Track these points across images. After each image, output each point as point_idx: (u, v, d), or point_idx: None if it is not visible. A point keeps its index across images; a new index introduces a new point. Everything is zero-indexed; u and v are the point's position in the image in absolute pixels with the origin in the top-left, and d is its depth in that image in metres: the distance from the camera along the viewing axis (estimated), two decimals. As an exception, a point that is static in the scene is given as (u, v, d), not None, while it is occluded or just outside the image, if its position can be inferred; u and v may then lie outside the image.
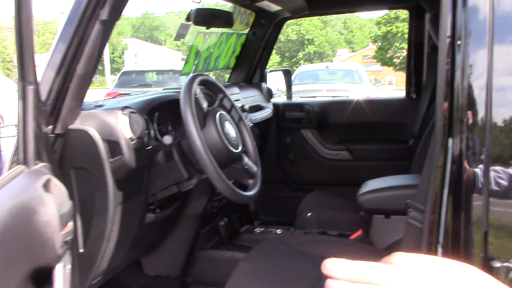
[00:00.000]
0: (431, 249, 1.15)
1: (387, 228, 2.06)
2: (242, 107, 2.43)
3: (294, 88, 9.63)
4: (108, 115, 1.54)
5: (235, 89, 2.47)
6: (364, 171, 3.01)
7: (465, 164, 1.04)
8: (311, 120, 3.10)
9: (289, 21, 3.29)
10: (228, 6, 2.78)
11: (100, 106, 1.64)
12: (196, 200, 2.20)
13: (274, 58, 35.01)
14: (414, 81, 2.92)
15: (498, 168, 1.00)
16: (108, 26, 1.46)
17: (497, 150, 1.02)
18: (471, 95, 1.03)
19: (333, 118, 3.12)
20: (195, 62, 2.64)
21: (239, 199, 1.71)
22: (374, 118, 3.03)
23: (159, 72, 10.28)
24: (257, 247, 1.93)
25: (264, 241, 1.98)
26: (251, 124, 2.45)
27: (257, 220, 2.99)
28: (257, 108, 2.86)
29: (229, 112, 1.93)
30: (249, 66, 3.08)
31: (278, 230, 2.41)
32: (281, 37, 41.45)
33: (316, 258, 1.77)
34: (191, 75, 1.76)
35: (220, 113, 1.79)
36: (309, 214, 2.31)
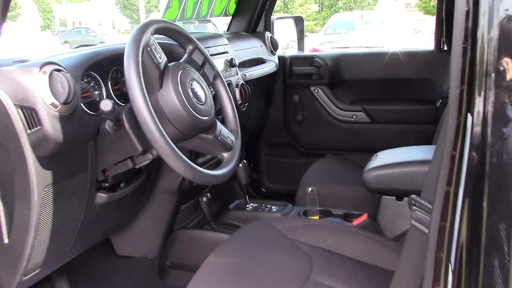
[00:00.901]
0: (438, 271, 0.77)
1: (397, 213, 1.68)
2: (230, 61, 2.03)
3: (325, 38, 9.16)
4: (23, 73, 1.19)
5: (221, 40, 2.07)
6: (383, 136, 2.60)
7: (491, 152, 0.66)
8: (322, 75, 2.67)
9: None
10: None
11: (23, 61, 1.28)
12: (170, 174, 1.86)
13: (311, 7, 33.78)
14: (446, 28, 2.43)
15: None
16: None
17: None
18: (503, 44, 0.63)
19: (348, 73, 2.68)
20: (181, 7, 2.24)
21: (203, 179, 1.36)
22: (396, 73, 2.58)
23: (200, 21, 9.78)
24: (237, 233, 1.59)
25: (248, 224, 1.63)
26: (241, 82, 2.06)
27: (251, 191, 2.64)
28: (257, 62, 2.45)
29: (200, 68, 1.55)
30: (252, 12, 2.64)
31: (274, 207, 2.05)
32: (319, -16, 39.93)
33: (308, 249, 1.42)
34: (143, 22, 1.37)
35: (184, 69, 1.42)
36: (310, 188, 1.93)
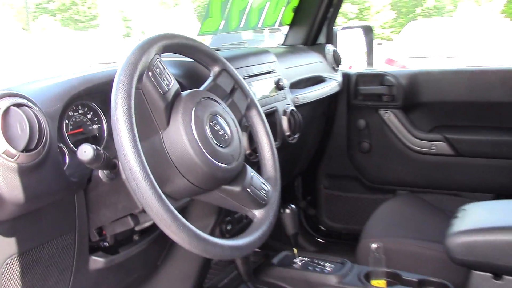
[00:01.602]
0: None
1: (495, 298, 1.21)
2: (277, 82, 1.65)
3: (402, 47, 8.51)
4: None
5: (266, 56, 1.69)
6: (470, 173, 2.11)
7: None
8: (394, 96, 2.22)
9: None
10: None
11: None
12: (198, 222, 1.50)
13: (388, 13, 32.75)
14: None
15: None
16: None
17: None
18: None
19: (426, 94, 2.21)
20: (224, 17, 1.89)
21: (218, 254, 0.99)
22: (488, 95, 2.09)
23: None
24: None
25: None
26: (291, 108, 1.67)
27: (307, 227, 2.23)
28: (315, 81, 2.05)
29: (229, 95, 1.19)
30: (311, 22, 2.25)
31: (328, 264, 1.64)
32: (397, -10, 38.78)
33: None
34: (146, 37, 1.03)
35: (203, 100, 1.06)
36: (374, 245, 1.50)
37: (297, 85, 1.89)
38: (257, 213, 1.13)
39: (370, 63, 2.53)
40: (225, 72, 1.19)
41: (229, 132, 1.08)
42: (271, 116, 1.60)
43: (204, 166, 0.99)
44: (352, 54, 2.69)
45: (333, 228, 2.48)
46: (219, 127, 1.06)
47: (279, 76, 1.67)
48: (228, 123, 1.09)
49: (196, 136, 0.99)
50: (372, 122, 2.30)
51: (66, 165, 1.07)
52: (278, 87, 1.64)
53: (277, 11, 2.18)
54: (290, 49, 2.13)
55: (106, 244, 1.21)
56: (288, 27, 2.31)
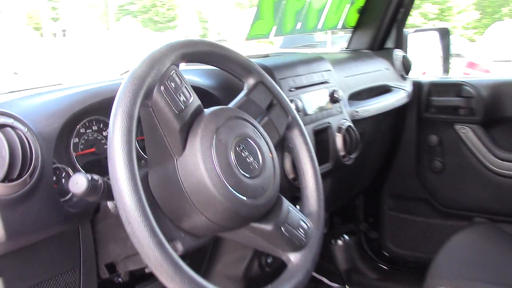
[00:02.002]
0: None
1: None
2: (331, 94, 1.43)
3: (486, 49, 7.89)
4: None
5: (319, 64, 1.47)
6: None
7: None
8: (473, 109, 1.92)
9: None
10: None
11: None
12: (234, 252, 1.32)
13: (472, 14, 31.10)
14: None
15: None
16: None
17: None
18: None
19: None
20: (277, 18, 1.70)
21: None
22: None
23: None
24: None
25: None
26: (348, 124, 1.45)
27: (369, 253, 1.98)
28: (379, 91, 1.81)
29: (266, 112, 1.00)
30: (378, 24, 2.01)
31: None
32: (482, -11, 36.85)
33: None
34: (164, 44, 0.86)
35: (229, 120, 0.88)
36: (442, 288, 1.26)
37: (357, 96, 1.67)
38: (293, 257, 0.93)
39: (446, 70, 2.23)
40: (261, 85, 1.00)
41: (260, 159, 0.89)
42: (323, 133, 1.39)
43: (225, 201, 0.80)
44: (425, 60, 2.40)
45: (398, 255, 2.21)
46: (247, 153, 0.87)
47: (334, 87, 1.46)
48: (260, 148, 0.90)
49: (216, 164, 0.80)
50: (446, 138, 2.01)
51: (71, 193, 0.92)
52: (333, 99, 1.42)
53: (339, 12, 1.96)
54: (353, 54, 1.90)
55: (120, 280, 1.05)
56: (352, 30, 2.07)
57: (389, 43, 2.07)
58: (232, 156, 0.83)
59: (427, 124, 2.04)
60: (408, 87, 1.96)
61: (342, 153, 1.42)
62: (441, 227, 2.06)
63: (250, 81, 0.99)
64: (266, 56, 1.55)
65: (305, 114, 1.31)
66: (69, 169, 0.94)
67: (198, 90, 1.16)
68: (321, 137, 1.38)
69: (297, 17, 1.78)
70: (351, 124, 1.46)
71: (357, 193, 2.15)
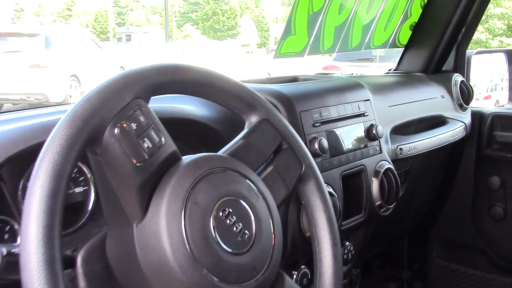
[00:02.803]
0: None
1: None
2: (368, 130, 1.18)
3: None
4: None
5: (356, 92, 1.21)
6: None
7: None
8: None
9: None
10: None
11: None
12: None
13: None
14: None
15: None
16: None
17: None
18: None
19: None
20: (313, 34, 1.46)
21: None
22: None
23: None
24: None
25: None
26: (387, 166, 1.19)
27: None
28: (432, 122, 1.54)
29: (271, 161, 0.77)
30: (435, 44, 1.73)
31: None
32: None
33: None
34: (125, 71, 0.65)
35: (215, 172, 0.65)
36: None
37: (404, 129, 1.41)
38: None
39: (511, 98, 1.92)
40: (266, 124, 0.76)
41: (253, 227, 0.66)
42: (356, 178, 1.14)
43: (195, 287, 0.58)
44: (489, 85, 2.10)
45: None
46: (235, 219, 0.64)
47: (373, 121, 1.20)
48: (255, 211, 0.67)
49: (186, 238, 0.58)
50: (511, 181, 1.70)
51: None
52: (370, 136, 1.17)
53: (390, 28, 1.70)
54: (402, 78, 1.63)
55: None
56: (403, 49, 1.80)
57: (447, 66, 1.79)
58: (212, 225, 0.61)
59: (488, 162, 1.73)
60: (467, 118, 1.67)
61: (378, 202, 1.17)
62: (499, 284, 1.75)
63: (252, 119, 0.76)
64: (294, 80, 1.32)
65: (333, 154, 1.07)
66: (15, 222, 0.75)
67: (193, 124, 0.96)
68: (353, 182, 1.13)
69: (337, 33, 1.54)
70: (392, 167, 1.20)
71: (401, 235, 1.87)
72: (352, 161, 1.12)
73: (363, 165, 1.14)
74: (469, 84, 1.72)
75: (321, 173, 0.83)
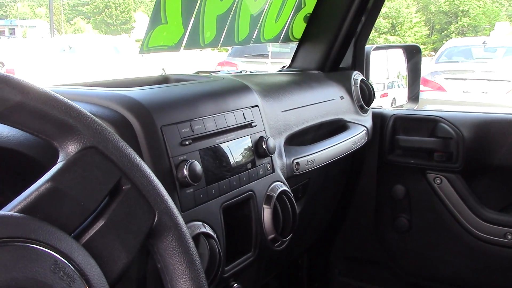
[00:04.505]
0: None
1: None
2: (256, 145, 0.92)
3: (438, 67, 7.73)
4: None
5: (240, 97, 0.96)
6: None
7: None
8: (452, 154, 1.48)
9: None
10: None
11: None
12: None
13: (422, 29, 31.67)
14: None
15: None
16: None
17: None
18: None
19: (502, 154, 1.45)
20: (188, 27, 1.19)
21: None
22: None
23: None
24: None
25: None
26: (282, 188, 0.95)
27: None
28: (331, 128, 1.33)
29: (103, 210, 0.46)
30: (332, 39, 1.53)
31: None
32: (432, 7, 37.81)
33: None
34: None
35: None
36: None
37: (300, 137, 1.18)
38: None
39: (414, 97, 1.79)
40: (92, 155, 0.49)
41: None
42: (243, 208, 0.89)
43: None
44: (385, 83, 1.95)
45: None
46: None
47: (262, 132, 0.95)
48: None
49: None
50: (416, 189, 1.55)
51: None
52: (259, 152, 0.92)
53: (282, 21, 1.47)
54: (297, 77, 1.41)
55: None
56: (296, 44, 1.59)
57: (345, 63, 1.60)
58: None
59: (391, 170, 1.57)
60: (368, 121, 1.49)
61: (271, 235, 0.92)
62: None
63: (69, 148, 0.48)
64: (164, 81, 1.04)
65: (210, 182, 0.80)
66: None
67: None
68: (239, 213, 0.88)
69: (220, 24, 1.28)
70: (287, 189, 0.96)
71: (300, 253, 1.66)
72: (237, 187, 0.86)
73: (251, 190, 0.89)
74: (370, 83, 1.55)
75: (195, 207, 0.58)
